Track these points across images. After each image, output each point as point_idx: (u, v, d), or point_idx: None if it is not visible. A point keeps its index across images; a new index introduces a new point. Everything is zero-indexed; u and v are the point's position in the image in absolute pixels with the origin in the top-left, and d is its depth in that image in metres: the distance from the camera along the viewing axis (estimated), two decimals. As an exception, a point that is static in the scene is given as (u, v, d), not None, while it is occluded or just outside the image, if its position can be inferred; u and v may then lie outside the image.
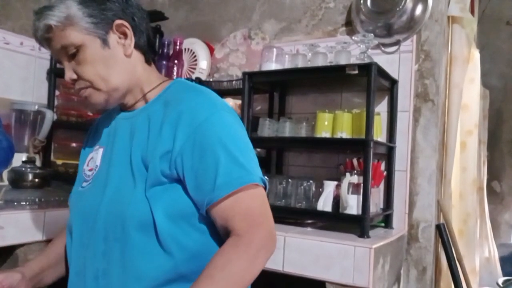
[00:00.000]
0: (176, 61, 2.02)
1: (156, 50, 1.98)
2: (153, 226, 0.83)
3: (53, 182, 1.92)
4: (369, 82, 1.44)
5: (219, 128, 0.85)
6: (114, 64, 0.90)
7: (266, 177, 0.88)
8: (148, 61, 0.98)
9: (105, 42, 0.89)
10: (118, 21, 0.90)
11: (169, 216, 0.84)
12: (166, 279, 0.84)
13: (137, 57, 0.95)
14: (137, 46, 0.94)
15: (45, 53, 2.20)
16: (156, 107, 0.92)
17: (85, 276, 0.89)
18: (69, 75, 0.90)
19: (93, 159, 1.00)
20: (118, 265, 0.85)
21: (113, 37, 0.90)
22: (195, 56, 2.11)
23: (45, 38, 0.88)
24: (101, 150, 0.99)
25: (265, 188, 0.87)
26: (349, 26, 1.85)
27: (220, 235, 0.88)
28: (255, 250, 0.80)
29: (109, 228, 0.86)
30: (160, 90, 0.96)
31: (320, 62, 1.65)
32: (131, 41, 0.92)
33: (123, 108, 1.00)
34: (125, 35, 0.91)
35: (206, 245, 0.88)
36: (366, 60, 1.55)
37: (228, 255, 0.79)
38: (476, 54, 1.94)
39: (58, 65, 2.16)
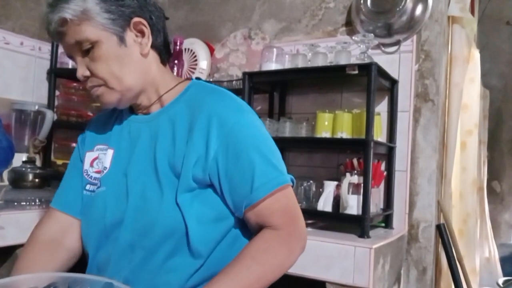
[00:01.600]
0: (176, 61, 2.01)
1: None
2: (185, 233, 0.82)
3: (53, 182, 1.92)
4: (369, 82, 1.44)
5: (249, 131, 0.85)
6: (129, 63, 0.87)
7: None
8: (163, 62, 0.94)
9: (121, 39, 0.85)
10: (136, 19, 0.86)
11: (201, 222, 0.83)
12: (194, 282, 0.84)
13: (153, 57, 0.91)
14: (153, 46, 0.90)
15: (45, 53, 2.20)
16: (178, 109, 0.89)
17: None
18: (82, 71, 0.86)
19: (99, 160, 0.95)
20: (144, 273, 0.83)
21: (130, 35, 0.86)
22: (195, 56, 2.11)
23: (58, 31, 0.83)
24: (110, 152, 0.93)
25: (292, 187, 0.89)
26: (349, 26, 1.85)
27: (252, 234, 0.88)
28: (294, 242, 0.83)
29: (136, 237, 0.84)
30: (178, 92, 0.92)
31: (320, 62, 1.65)
32: (148, 40, 0.88)
33: (136, 108, 0.95)
34: (142, 33, 0.88)
35: (236, 246, 0.87)
36: (366, 60, 1.55)
37: (270, 242, 0.81)
38: (476, 54, 1.94)
39: (58, 65, 2.16)
